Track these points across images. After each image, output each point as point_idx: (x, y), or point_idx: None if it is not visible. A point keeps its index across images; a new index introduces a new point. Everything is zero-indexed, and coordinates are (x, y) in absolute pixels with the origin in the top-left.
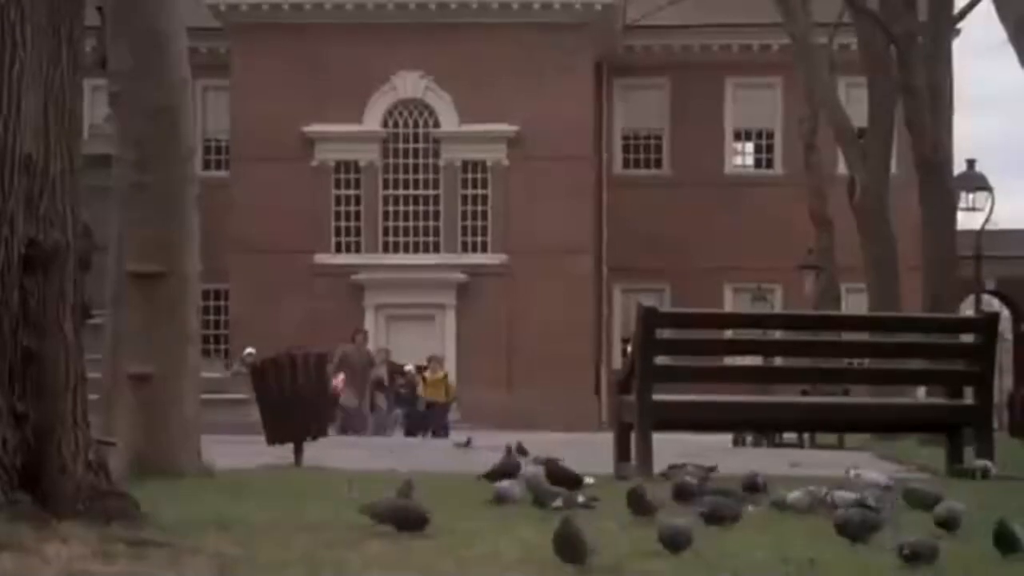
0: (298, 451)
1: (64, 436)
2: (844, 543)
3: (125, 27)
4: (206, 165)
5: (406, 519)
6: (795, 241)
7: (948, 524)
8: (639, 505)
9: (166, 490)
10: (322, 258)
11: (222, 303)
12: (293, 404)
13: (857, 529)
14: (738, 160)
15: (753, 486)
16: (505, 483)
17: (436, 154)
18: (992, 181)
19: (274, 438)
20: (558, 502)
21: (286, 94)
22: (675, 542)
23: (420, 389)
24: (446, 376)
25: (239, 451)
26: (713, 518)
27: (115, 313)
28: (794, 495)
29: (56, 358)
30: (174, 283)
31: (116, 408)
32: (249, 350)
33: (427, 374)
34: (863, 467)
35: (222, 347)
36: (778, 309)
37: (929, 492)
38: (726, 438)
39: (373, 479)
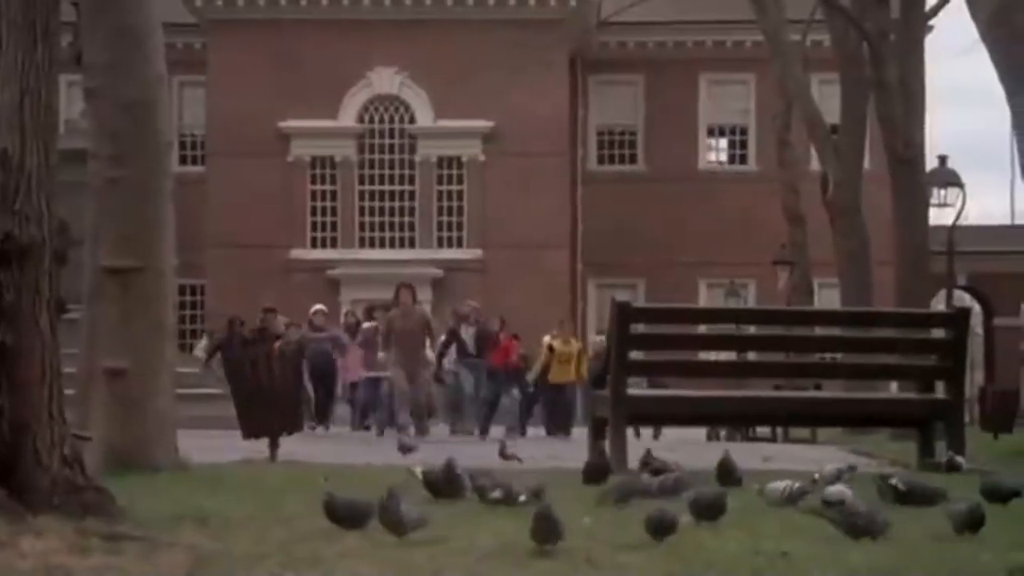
0: (273, 446)
1: (39, 430)
2: (820, 537)
3: (101, 22)
4: (182, 160)
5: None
6: (768, 237)
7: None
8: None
9: (142, 484)
10: (298, 253)
11: (198, 298)
12: (268, 398)
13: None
14: (712, 156)
15: (729, 472)
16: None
17: (412, 150)
18: (964, 177)
19: (249, 432)
20: (524, 497)
21: (262, 89)
22: (658, 528)
23: (536, 365)
24: (582, 351)
25: (215, 445)
26: (700, 509)
27: (91, 308)
28: (774, 485)
29: (31, 352)
30: (150, 278)
31: (92, 402)
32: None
33: (556, 343)
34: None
35: (199, 342)
36: (752, 304)
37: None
38: (700, 432)
39: (348, 473)
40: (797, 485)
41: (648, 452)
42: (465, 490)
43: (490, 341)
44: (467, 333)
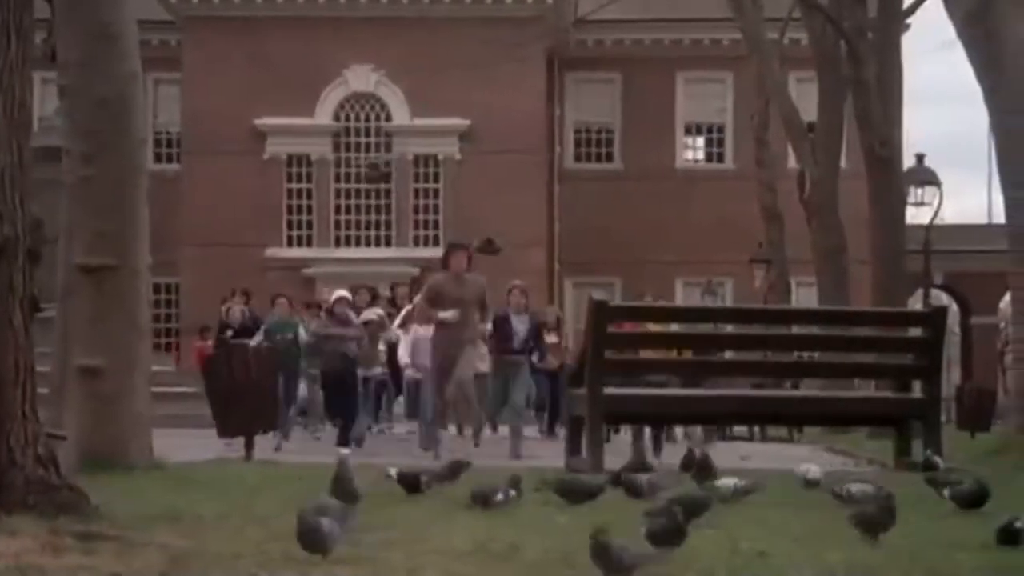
0: (249, 445)
1: (13, 429)
2: (795, 536)
3: (75, 19)
4: (157, 158)
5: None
6: (746, 235)
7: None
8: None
9: (116, 483)
10: (273, 251)
11: (173, 296)
12: (244, 397)
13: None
14: (689, 154)
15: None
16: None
17: (388, 148)
18: (941, 176)
19: (225, 431)
20: (499, 496)
21: (237, 87)
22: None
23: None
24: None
25: (190, 444)
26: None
27: (65, 306)
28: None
29: (5, 351)
30: (124, 276)
31: (66, 401)
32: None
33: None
34: (808, 462)
35: (173, 340)
36: (729, 303)
37: None
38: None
39: (322, 473)
40: (743, 483)
41: (690, 451)
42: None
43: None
44: (519, 322)
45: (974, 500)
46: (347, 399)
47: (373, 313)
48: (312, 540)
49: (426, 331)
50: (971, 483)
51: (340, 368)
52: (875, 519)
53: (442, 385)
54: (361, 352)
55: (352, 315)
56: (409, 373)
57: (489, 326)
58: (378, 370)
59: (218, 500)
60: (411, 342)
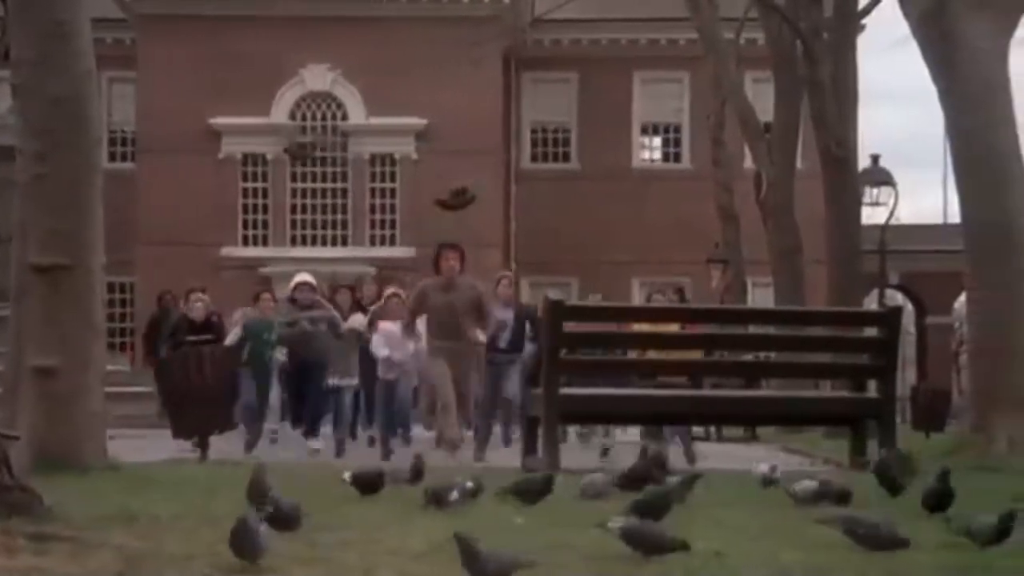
0: (204, 445)
1: None
2: (751, 536)
3: (29, 17)
4: (111, 157)
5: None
6: (702, 235)
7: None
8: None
9: (70, 484)
10: (229, 251)
11: (127, 296)
12: (199, 397)
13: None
14: (645, 154)
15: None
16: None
17: (344, 147)
18: (896, 176)
19: (179, 432)
20: (454, 495)
21: (193, 86)
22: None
23: None
24: None
25: (145, 445)
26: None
27: (18, 305)
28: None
29: None
30: (79, 275)
31: (20, 401)
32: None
33: None
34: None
35: (128, 340)
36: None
37: None
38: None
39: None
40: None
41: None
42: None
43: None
44: (503, 313)
45: (937, 501)
46: (312, 387)
47: (357, 322)
48: (243, 547)
49: (395, 325)
50: (934, 483)
51: (308, 359)
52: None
53: (448, 394)
54: (339, 359)
55: (320, 300)
56: (382, 372)
57: (483, 336)
58: (355, 381)
59: (173, 501)
60: (383, 337)
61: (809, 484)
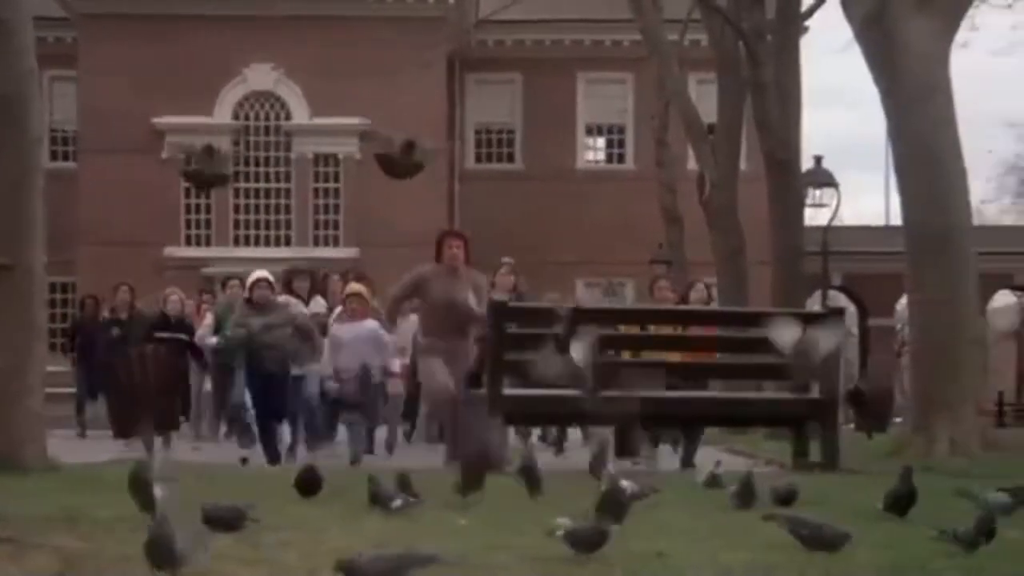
0: (148, 446)
1: None
2: (694, 538)
3: None
4: (53, 156)
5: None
6: (646, 236)
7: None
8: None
9: (11, 485)
10: (172, 251)
11: (69, 296)
12: (143, 397)
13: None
14: (590, 155)
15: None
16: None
17: (287, 147)
18: (839, 178)
19: (122, 432)
20: (398, 502)
21: (135, 85)
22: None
23: None
24: None
25: (87, 446)
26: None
27: None
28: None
29: None
30: (20, 276)
31: None
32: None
33: None
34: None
35: (69, 341)
36: (629, 304)
37: None
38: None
39: (221, 475)
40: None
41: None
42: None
43: None
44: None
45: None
46: (276, 401)
47: (319, 306)
48: (159, 554)
49: (351, 329)
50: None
51: (265, 368)
52: None
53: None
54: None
55: (280, 300)
56: (330, 384)
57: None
58: (315, 367)
59: (114, 502)
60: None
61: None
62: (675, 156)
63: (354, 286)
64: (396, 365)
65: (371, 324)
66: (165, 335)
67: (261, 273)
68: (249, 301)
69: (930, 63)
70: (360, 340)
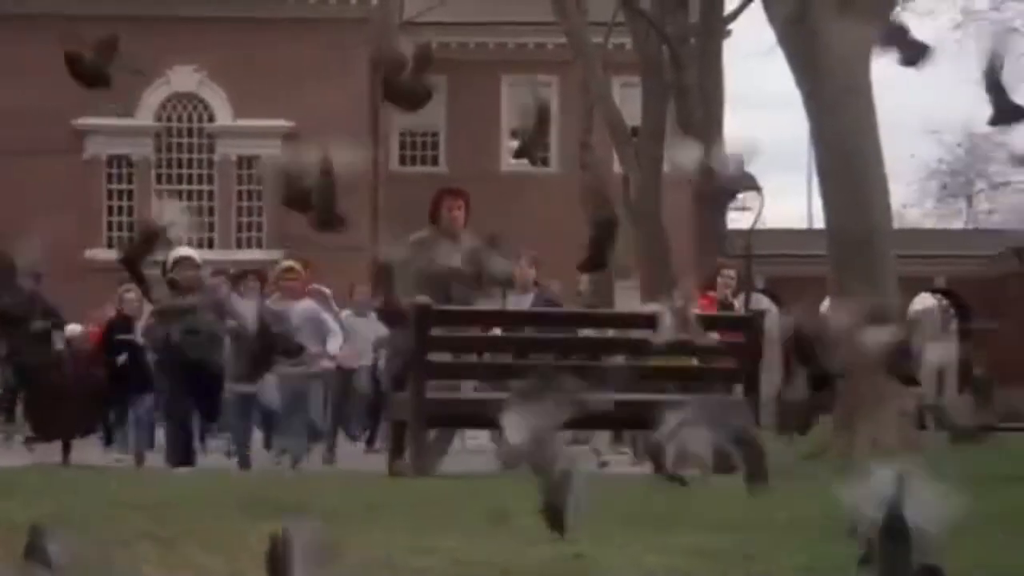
0: (66, 449)
1: None
2: (614, 541)
3: None
4: None
5: None
6: (570, 239)
7: None
8: None
9: None
10: (94, 253)
11: None
12: (61, 399)
13: None
14: (514, 158)
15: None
16: None
17: (210, 149)
18: (762, 181)
19: (39, 435)
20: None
21: (55, 86)
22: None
23: None
24: None
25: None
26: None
27: None
28: None
29: None
30: None
31: None
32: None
33: None
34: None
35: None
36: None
37: None
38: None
39: (140, 478)
40: None
41: None
42: None
43: None
44: (520, 302)
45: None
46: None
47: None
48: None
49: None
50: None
51: (190, 362)
52: None
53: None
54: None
55: (207, 282)
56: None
57: None
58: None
59: (32, 506)
60: None
61: None
62: (600, 159)
63: (288, 262)
64: (335, 346)
65: (306, 304)
66: (126, 337)
67: (186, 250)
68: (172, 284)
69: (852, 66)
70: (292, 323)
